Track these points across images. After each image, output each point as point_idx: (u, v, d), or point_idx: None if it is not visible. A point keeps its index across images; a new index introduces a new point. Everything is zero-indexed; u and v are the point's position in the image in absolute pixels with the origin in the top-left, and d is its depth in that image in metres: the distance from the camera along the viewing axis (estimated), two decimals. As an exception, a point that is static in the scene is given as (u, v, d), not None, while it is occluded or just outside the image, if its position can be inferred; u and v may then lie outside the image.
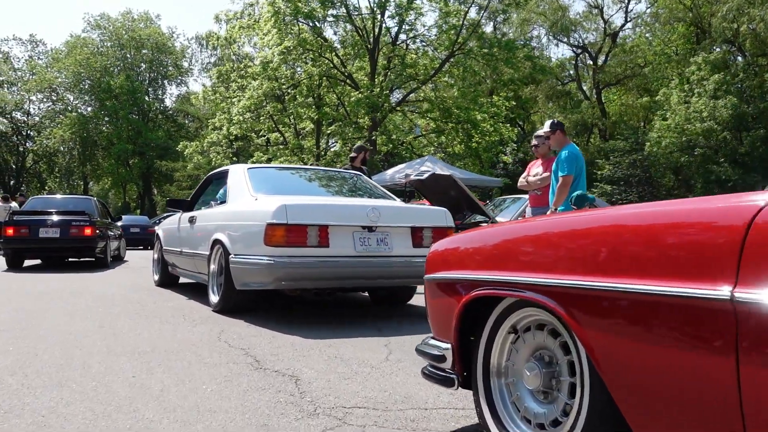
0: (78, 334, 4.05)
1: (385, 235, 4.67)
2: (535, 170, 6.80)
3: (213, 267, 5.24)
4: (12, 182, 45.78)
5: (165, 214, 35.18)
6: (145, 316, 4.90)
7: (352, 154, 7.73)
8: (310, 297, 5.34)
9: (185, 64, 46.19)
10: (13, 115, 45.56)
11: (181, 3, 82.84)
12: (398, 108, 22.50)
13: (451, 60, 21.86)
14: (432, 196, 8.87)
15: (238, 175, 5.40)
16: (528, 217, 6.98)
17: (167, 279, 7.17)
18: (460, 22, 20.55)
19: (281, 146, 26.04)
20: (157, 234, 7.53)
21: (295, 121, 25.81)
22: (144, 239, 21.24)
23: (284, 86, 23.25)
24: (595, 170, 28.39)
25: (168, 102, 46.25)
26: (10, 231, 9.99)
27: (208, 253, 5.29)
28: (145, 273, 9.24)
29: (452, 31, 21.49)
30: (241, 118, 22.49)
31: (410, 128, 25.67)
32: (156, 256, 7.58)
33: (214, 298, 5.15)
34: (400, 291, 5.49)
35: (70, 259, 11.73)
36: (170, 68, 44.74)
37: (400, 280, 4.84)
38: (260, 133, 27.06)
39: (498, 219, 8.82)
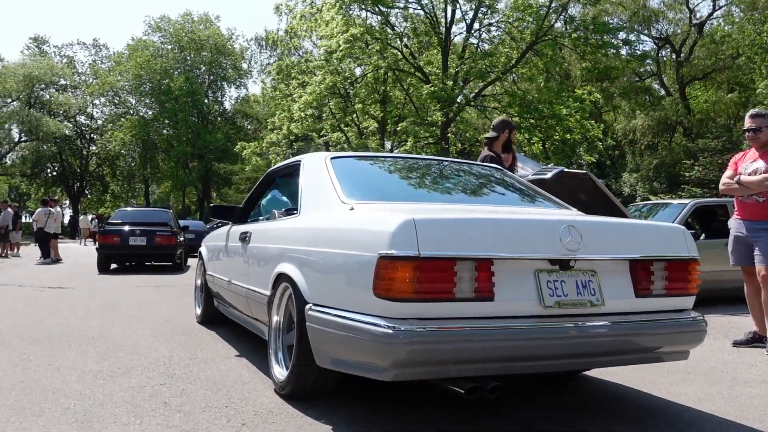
0: None
1: (590, 275, 2.54)
2: (752, 165, 4.55)
3: (276, 318, 3.23)
4: (76, 185, 45.91)
5: (219, 221, 33.90)
6: (164, 401, 2.91)
7: (490, 134, 5.43)
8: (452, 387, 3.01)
9: (244, 66, 45.24)
10: (78, 119, 45.69)
11: (241, 4, 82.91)
12: (473, 102, 20.25)
13: (535, 48, 19.48)
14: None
15: (316, 169, 3.36)
16: (740, 233, 4.69)
17: (213, 314, 5.22)
18: (548, 3, 18.17)
19: (345, 146, 24.16)
20: (200, 252, 5.60)
21: (358, 120, 23.91)
22: (199, 245, 19.60)
23: (348, 80, 21.39)
24: (682, 172, 25.69)
25: (227, 104, 45.40)
26: (104, 239, 12.02)
27: (268, 292, 3.29)
28: (189, 297, 7.35)
29: (535, 15, 19.11)
30: (302, 114, 20.73)
31: (485, 125, 23.37)
32: (199, 281, 5.65)
33: (279, 371, 3.13)
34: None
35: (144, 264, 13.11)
36: (229, 70, 43.80)
37: (615, 358, 2.69)
38: (321, 133, 25.31)
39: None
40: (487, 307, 2.35)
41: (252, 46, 46.39)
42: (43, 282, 9.37)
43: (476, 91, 20.95)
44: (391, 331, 2.22)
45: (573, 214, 2.80)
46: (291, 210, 3.56)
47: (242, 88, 45.85)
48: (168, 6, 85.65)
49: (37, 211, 15.73)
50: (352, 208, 2.77)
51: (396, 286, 2.26)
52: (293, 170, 3.78)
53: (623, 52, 22.11)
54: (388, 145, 25.66)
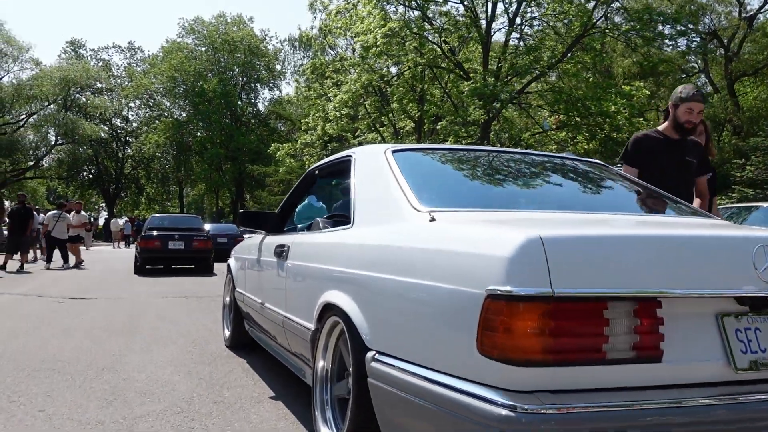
0: None
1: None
2: None
3: (322, 363, 2.45)
4: (112, 188, 46.17)
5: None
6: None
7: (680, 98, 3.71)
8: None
9: (278, 67, 44.87)
10: (113, 121, 45.94)
11: (274, 5, 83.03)
12: (515, 99, 19.27)
13: (582, 41, 18.44)
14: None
15: (375, 165, 2.57)
16: None
17: (244, 338, 4.48)
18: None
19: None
20: (228, 265, 4.87)
21: (395, 119, 23.10)
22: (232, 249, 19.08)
23: (385, 78, 20.63)
24: (732, 171, 24.35)
25: (260, 106, 45.10)
26: (146, 244, 12.85)
27: (311, 326, 2.53)
28: (217, 312, 6.64)
29: (583, 7, 18.09)
30: (337, 114, 20.00)
31: (525, 125, 22.37)
32: (227, 299, 4.92)
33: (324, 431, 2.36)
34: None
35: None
36: (263, 71, 43.49)
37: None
38: (356, 134, 24.58)
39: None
40: (653, 372, 1.53)
41: (285, 47, 46.02)
42: (65, 291, 8.81)
43: (518, 87, 19.96)
44: (511, 413, 1.42)
45: (757, 231, 1.95)
46: (340, 218, 2.78)
47: (275, 89, 45.49)
48: (202, 8, 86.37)
49: (48, 214, 15.26)
50: (432, 219, 1.96)
51: (516, 342, 1.46)
52: (342, 168, 3.00)
53: (681, 43, 20.89)
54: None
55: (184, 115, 42.83)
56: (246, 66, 42.35)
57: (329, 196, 3.55)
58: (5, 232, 13.66)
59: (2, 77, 44.13)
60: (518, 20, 19.82)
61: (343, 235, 2.50)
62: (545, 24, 19.61)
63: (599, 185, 2.79)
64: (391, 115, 22.60)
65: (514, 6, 18.82)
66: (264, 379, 3.70)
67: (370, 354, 1.97)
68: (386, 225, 2.21)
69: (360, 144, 24.98)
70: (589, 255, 1.52)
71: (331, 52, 30.75)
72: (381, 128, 24.09)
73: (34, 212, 16.04)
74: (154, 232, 13.33)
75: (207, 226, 20.44)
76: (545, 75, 18.78)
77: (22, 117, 44.40)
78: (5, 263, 13.03)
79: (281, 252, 3.15)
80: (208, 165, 39.73)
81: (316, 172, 3.57)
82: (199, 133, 41.73)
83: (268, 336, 3.58)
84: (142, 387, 3.44)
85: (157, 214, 18.40)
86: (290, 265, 2.98)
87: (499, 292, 1.47)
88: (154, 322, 6.04)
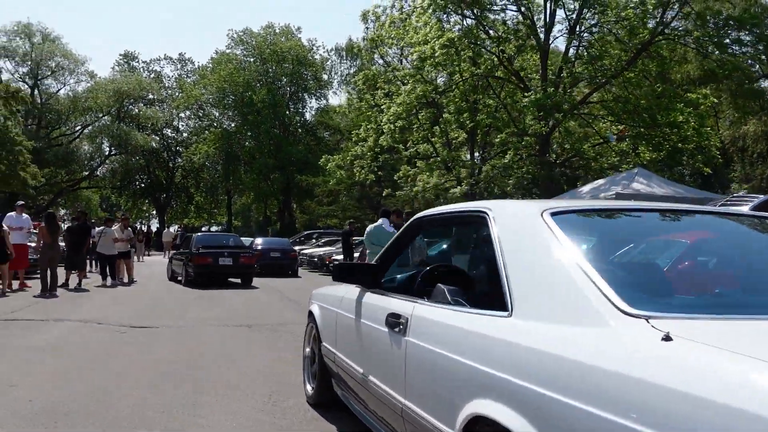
0: None
1: None
2: None
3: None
4: (163, 197, 46.94)
5: (306, 232, 33.68)
6: None
7: None
8: None
9: (324, 77, 44.85)
10: (164, 132, 46.74)
11: (321, 15, 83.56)
12: (578, 109, 18.50)
13: (648, 48, 17.58)
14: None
15: (533, 233, 2.04)
16: None
17: (331, 396, 4.00)
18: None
19: (434, 159, 22.81)
20: (311, 312, 4.39)
21: (447, 130, 22.54)
22: (285, 265, 18.88)
23: (440, 89, 20.12)
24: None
25: (307, 115, 45.14)
26: (198, 260, 14.23)
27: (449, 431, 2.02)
28: (287, 349, 6.21)
29: (650, 12, 17.24)
30: (392, 126, 19.56)
31: (585, 134, 21.50)
32: (308, 350, 4.45)
33: None
34: None
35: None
36: (310, 81, 43.50)
37: None
38: (407, 145, 24.11)
39: None
40: None
41: (332, 57, 45.98)
42: (124, 317, 8.54)
43: (579, 97, 19.18)
44: None
45: None
46: (482, 296, 2.27)
47: (322, 98, 45.38)
48: (251, 19, 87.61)
49: (95, 230, 15.17)
50: (667, 338, 1.42)
51: None
52: (469, 223, 2.49)
53: (745, 49, 19.73)
54: (477, 156, 24.20)
55: (233, 125, 43.19)
56: (294, 76, 42.43)
57: (452, 255, 3.04)
58: (64, 249, 13.61)
59: (59, 90, 45.48)
60: (578, 27, 19.07)
61: (500, 327, 1.97)
62: (607, 30, 18.80)
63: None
64: (443, 125, 22.07)
65: (575, 14, 18.07)
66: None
67: None
68: (574, 327, 1.68)
69: (412, 157, 24.44)
70: None
71: (379, 61, 30.43)
72: (433, 138, 23.59)
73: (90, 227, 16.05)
74: (207, 250, 14.61)
75: (258, 240, 20.31)
76: (609, 83, 17.95)
77: (77, 128, 45.63)
78: (67, 280, 13.00)
79: (397, 324, 2.65)
80: (256, 174, 39.89)
81: (426, 222, 3.07)
82: (247, 143, 41.99)
83: (375, 417, 3.08)
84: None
85: (201, 233, 19.37)
86: (412, 346, 2.47)
87: None
88: (220, 360, 5.64)
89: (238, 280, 15.02)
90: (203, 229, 45.31)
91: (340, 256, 18.14)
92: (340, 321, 3.63)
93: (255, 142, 41.13)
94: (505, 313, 1.97)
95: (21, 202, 13.88)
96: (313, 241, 27.57)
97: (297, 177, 38.86)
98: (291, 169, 38.92)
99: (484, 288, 2.22)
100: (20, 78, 42.63)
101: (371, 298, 3.17)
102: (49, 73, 44.11)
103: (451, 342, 2.18)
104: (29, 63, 42.86)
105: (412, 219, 3.30)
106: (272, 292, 13.19)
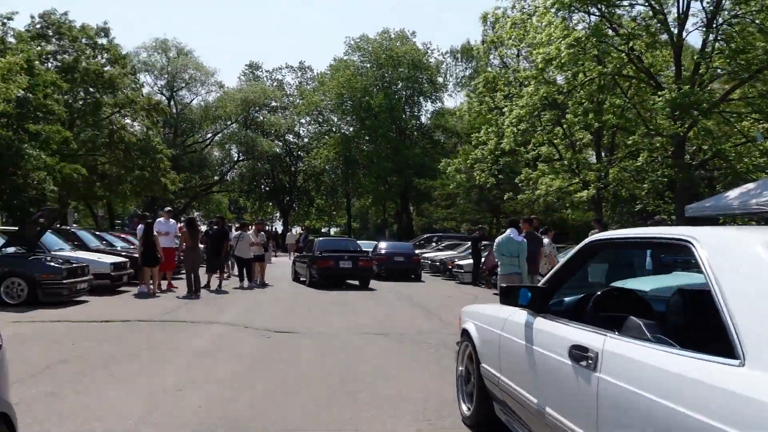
0: None
1: None
2: None
3: None
4: (286, 199, 49.09)
5: (425, 235, 33.76)
6: None
7: None
8: None
9: (440, 80, 44.86)
10: (286, 137, 48.83)
11: (436, 17, 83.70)
12: (718, 108, 17.13)
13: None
14: None
15: (757, 276, 1.88)
16: None
17: (490, 418, 3.94)
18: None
19: (558, 161, 22.06)
20: (466, 331, 4.33)
21: (571, 132, 21.71)
22: (409, 269, 19.10)
23: (563, 89, 19.42)
24: None
25: (423, 119, 45.36)
26: (321, 263, 15.31)
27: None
28: (433, 361, 6.22)
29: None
30: (514, 129, 19.14)
31: (726, 133, 19.88)
32: (461, 368, 4.41)
33: None
34: None
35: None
36: (425, 84, 43.69)
37: None
38: (528, 147, 23.48)
39: None
40: None
41: (447, 60, 45.90)
42: (267, 321, 8.97)
43: (718, 95, 17.76)
44: None
45: None
46: (692, 336, 2.11)
47: (438, 101, 45.41)
48: (367, 25, 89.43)
49: (232, 235, 15.98)
50: None
51: None
52: (665, 251, 2.32)
53: None
54: (604, 159, 23.11)
55: (351, 129, 44.29)
56: (409, 80, 42.79)
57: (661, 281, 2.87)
58: (204, 253, 14.54)
59: (192, 100, 48.87)
60: (716, 19, 17.65)
61: (735, 379, 1.80)
62: (749, 21, 17.25)
63: None
64: (566, 127, 21.27)
65: (713, 4, 16.72)
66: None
67: None
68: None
69: (533, 160, 23.77)
70: None
71: (496, 63, 29.90)
72: (555, 140, 22.82)
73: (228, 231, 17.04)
74: (328, 254, 15.67)
75: (382, 244, 20.63)
76: (754, 78, 16.47)
77: (208, 136, 48.82)
78: (209, 282, 13.88)
79: (583, 357, 2.54)
80: (374, 178, 40.65)
81: (606, 245, 2.93)
82: (365, 147, 42.87)
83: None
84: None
85: (321, 238, 20.24)
86: (606, 383, 2.36)
87: None
88: (372, 373, 5.73)
89: (356, 282, 16.13)
90: (323, 230, 46.88)
91: (463, 261, 18.06)
92: (504, 344, 3.56)
93: (373, 146, 41.90)
94: (736, 362, 1.82)
95: (168, 208, 15.03)
96: (433, 244, 27.62)
97: (415, 180, 39.12)
98: (409, 173, 39.26)
99: (692, 326, 2.06)
100: (159, 90, 46.31)
101: (543, 324, 3.08)
102: (183, 85, 47.56)
103: (664, 388, 2.04)
104: (166, 76, 46.44)
105: (586, 242, 3.17)
106: (401, 297, 13.32)
